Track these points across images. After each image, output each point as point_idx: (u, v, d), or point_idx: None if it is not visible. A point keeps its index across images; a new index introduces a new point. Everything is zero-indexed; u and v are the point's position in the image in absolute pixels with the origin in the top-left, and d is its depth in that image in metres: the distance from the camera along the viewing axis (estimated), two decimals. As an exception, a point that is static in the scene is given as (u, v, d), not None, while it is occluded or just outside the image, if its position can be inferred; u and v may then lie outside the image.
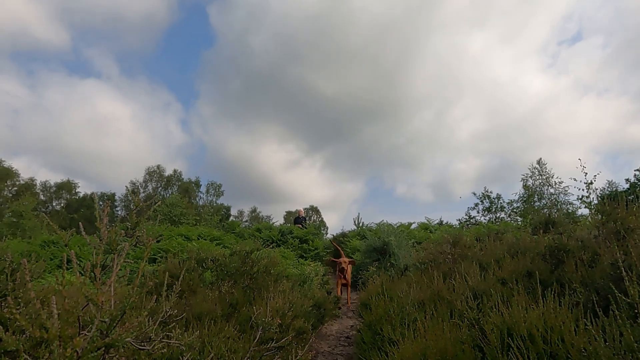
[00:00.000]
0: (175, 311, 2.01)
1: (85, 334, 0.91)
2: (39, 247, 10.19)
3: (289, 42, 66.46)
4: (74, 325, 0.79)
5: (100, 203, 43.83)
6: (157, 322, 1.89)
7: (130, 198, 44.05)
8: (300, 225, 14.40)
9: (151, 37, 69.33)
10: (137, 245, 1.05)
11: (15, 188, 39.26)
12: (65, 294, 0.83)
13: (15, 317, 0.61)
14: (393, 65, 65.13)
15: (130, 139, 67.59)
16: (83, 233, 0.87)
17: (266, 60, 65.73)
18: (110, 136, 64.97)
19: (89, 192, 46.50)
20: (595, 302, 2.44)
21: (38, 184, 43.41)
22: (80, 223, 0.87)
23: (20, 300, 1.54)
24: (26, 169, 64.96)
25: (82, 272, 0.81)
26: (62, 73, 67.91)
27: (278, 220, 58.10)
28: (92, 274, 0.82)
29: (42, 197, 43.80)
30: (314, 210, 52.22)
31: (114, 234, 0.81)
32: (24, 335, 0.92)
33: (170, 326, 1.91)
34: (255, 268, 5.16)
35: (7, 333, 0.88)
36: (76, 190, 46.42)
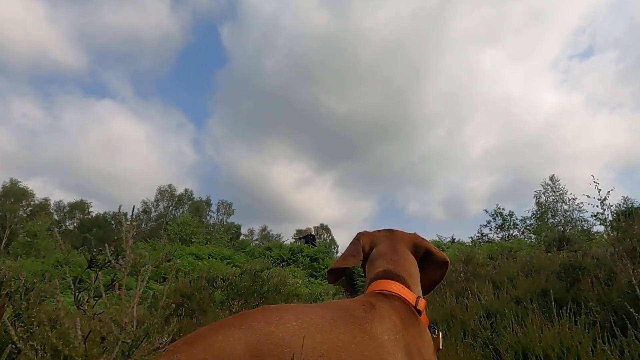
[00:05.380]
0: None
1: (107, 356, 0.94)
2: (52, 266, 10.31)
3: (300, 62, 67.56)
4: (99, 345, 0.82)
5: (112, 223, 44.35)
6: (169, 342, 1.90)
7: (142, 218, 44.17)
8: (310, 244, 14.32)
9: (165, 58, 71.32)
10: (157, 266, 1.08)
11: (30, 208, 39.96)
12: (90, 314, 0.86)
13: (47, 334, 0.65)
14: (404, 83, 65.67)
15: (143, 159, 68.78)
16: (108, 255, 0.91)
17: (277, 79, 66.86)
18: (123, 156, 66.32)
19: (101, 212, 47.12)
20: (612, 321, 2.39)
21: (52, 204, 44.16)
22: (106, 244, 0.92)
23: (33, 320, 1.57)
24: (41, 189, 66.21)
25: (108, 293, 0.85)
26: (77, 94, 69.96)
27: (288, 239, 57.72)
28: (117, 294, 0.85)
29: (55, 216, 44.46)
30: (325, 228, 51.94)
31: (139, 256, 0.85)
32: (39, 356, 0.95)
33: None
34: (266, 287, 5.16)
35: (30, 350, 0.91)
36: (89, 210, 47.09)
